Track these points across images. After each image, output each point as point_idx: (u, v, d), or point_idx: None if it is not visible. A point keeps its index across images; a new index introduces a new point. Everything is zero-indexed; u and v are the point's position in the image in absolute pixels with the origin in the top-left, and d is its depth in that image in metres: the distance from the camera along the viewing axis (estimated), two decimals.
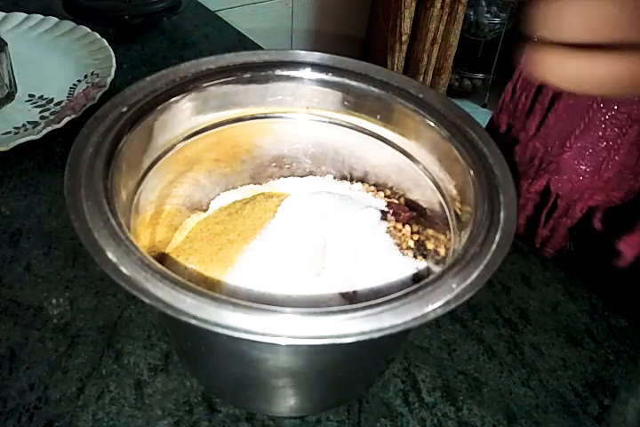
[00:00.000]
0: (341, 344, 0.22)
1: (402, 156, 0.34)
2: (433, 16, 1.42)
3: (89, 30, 0.66)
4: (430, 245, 0.35)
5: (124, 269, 0.23)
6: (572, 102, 0.46)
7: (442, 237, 0.32)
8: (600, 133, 0.44)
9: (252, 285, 0.31)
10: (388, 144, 0.35)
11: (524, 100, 0.51)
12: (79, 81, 0.61)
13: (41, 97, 0.59)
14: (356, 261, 0.33)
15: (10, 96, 0.58)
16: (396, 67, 1.51)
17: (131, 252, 0.23)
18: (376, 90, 0.33)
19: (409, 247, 0.36)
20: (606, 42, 0.21)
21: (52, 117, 0.56)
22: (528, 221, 0.52)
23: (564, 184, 0.48)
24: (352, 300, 0.32)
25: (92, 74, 0.61)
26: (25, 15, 0.68)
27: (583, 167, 0.46)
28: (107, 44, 0.64)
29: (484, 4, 1.58)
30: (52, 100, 0.58)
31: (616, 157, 0.44)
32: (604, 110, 0.43)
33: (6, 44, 0.56)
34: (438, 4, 1.40)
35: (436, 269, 0.33)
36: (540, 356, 0.40)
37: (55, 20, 0.68)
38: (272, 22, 1.42)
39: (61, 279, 0.42)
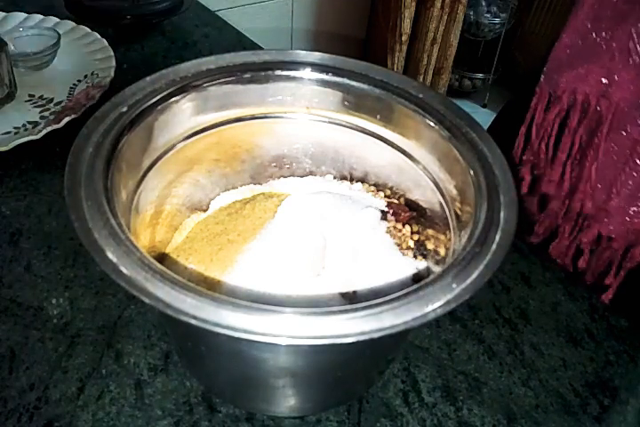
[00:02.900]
0: (341, 344, 0.22)
1: (402, 156, 0.34)
2: (433, 16, 1.41)
3: (89, 30, 0.66)
4: (430, 245, 0.35)
5: (124, 269, 0.23)
6: (606, 149, 0.43)
7: (442, 237, 0.32)
8: None
9: (252, 285, 0.31)
10: (388, 144, 0.35)
11: (543, 149, 0.48)
12: (79, 81, 0.61)
13: (41, 97, 0.59)
14: (356, 261, 0.33)
15: (10, 96, 0.58)
16: (395, 67, 1.51)
17: (131, 252, 0.23)
18: (376, 90, 0.33)
19: (409, 247, 0.36)
20: None
21: (51, 117, 0.56)
22: (595, 270, 0.50)
23: (616, 227, 0.45)
24: (352, 300, 0.32)
25: (92, 74, 0.61)
26: (25, 15, 0.68)
27: (636, 209, 0.44)
28: (107, 44, 0.64)
29: (483, 3, 1.58)
30: (51, 100, 0.58)
31: None
32: None
33: (6, 44, 0.57)
34: (438, 4, 1.39)
35: (436, 269, 0.33)
36: (540, 356, 0.40)
37: (55, 20, 0.68)
38: (272, 22, 1.42)
39: (61, 279, 0.42)
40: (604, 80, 0.41)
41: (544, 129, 0.48)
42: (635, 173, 0.42)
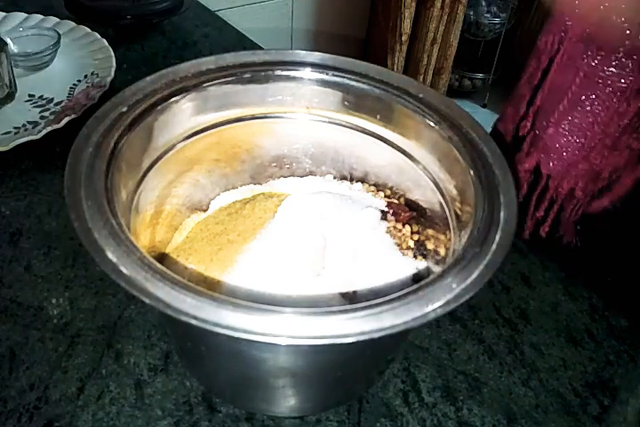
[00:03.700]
0: (341, 344, 0.22)
1: (402, 156, 0.34)
2: (433, 16, 1.41)
3: (89, 30, 0.66)
4: (430, 245, 0.35)
5: (124, 269, 0.23)
6: (556, 79, 0.47)
7: (442, 237, 0.32)
8: (587, 108, 0.45)
9: (252, 285, 0.31)
10: (388, 144, 0.35)
11: (523, 91, 0.51)
12: (79, 81, 0.61)
13: (41, 97, 0.59)
14: (356, 261, 0.33)
15: (10, 96, 0.58)
16: (395, 67, 1.51)
17: (131, 252, 0.23)
18: (376, 90, 0.33)
19: (409, 247, 0.36)
20: None
21: (51, 117, 0.56)
22: (520, 205, 0.53)
23: (554, 163, 0.49)
24: (352, 300, 0.32)
25: (92, 74, 0.61)
26: (25, 15, 0.68)
27: (570, 144, 0.47)
28: (107, 44, 0.64)
29: (483, 3, 1.58)
30: (51, 100, 0.58)
31: (599, 126, 0.45)
32: (588, 85, 0.44)
33: (6, 44, 0.57)
34: (438, 4, 1.39)
35: (436, 269, 0.33)
36: (540, 356, 0.40)
37: (55, 20, 0.68)
38: (272, 22, 1.42)
39: (61, 279, 0.42)
40: (567, 21, 0.45)
41: (530, 74, 0.51)
42: (576, 107, 0.45)
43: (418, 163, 0.34)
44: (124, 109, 0.29)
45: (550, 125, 0.48)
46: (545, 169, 0.49)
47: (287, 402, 0.35)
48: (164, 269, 0.23)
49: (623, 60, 0.42)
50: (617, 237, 0.48)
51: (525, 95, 0.51)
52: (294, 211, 0.35)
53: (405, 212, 0.36)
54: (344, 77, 0.33)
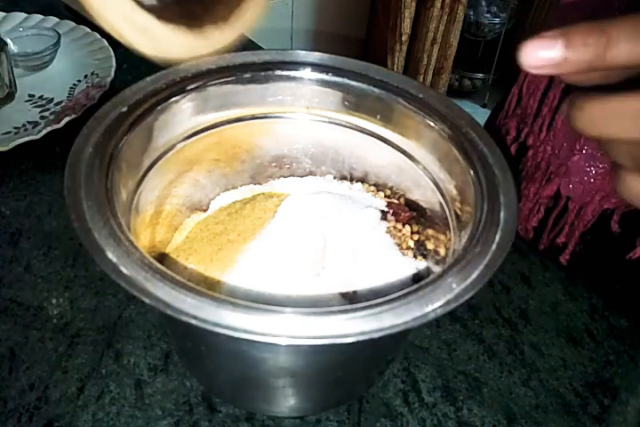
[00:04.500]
0: (341, 344, 0.22)
1: (402, 156, 0.34)
2: (433, 16, 1.42)
3: (89, 30, 0.66)
4: (430, 245, 0.35)
5: (124, 269, 0.23)
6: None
7: (442, 237, 0.32)
8: None
9: (252, 285, 0.31)
10: (388, 144, 0.35)
11: (531, 104, 0.50)
12: (79, 81, 0.61)
13: (41, 97, 0.59)
14: (356, 261, 0.33)
15: (10, 96, 0.58)
16: (396, 67, 1.51)
17: (131, 252, 0.23)
18: (376, 90, 0.33)
19: (409, 247, 0.36)
20: None
21: (51, 117, 0.56)
22: (538, 226, 0.52)
23: (575, 187, 0.47)
24: (352, 300, 0.32)
25: (92, 74, 0.61)
26: (25, 15, 0.68)
27: (594, 169, 0.46)
28: (107, 44, 0.64)
29: (483, 3, 1.58)
30: (52, 100, 0.58)
31: None
32: None
33: (6, 44, 0.57)
34: (438, 4, 1.39)
35: (436, 269, 0.33)
36: (540, 356, 0.40)
37: (55, 20, 0.68)
38: (272, 22, 1.42)
39: (61, 279, 0.42)
40: None
41: (535, 85, 0.49)
42: None
43: (418, 163, 0.34)
44: (124, 109, 0.29)
45: (576, 153, 0.46)
46: (565, 191, 0.48)
47: (287, 402, 0.35)
48: (164, 269, 0.23)
49: None
50: (617, 238, 0.48)
51: (536, 114, 0.49)
52: (294, 211, 0.35)
53: (405, 212, 0.36)
54: (344, 77, 0.33)
